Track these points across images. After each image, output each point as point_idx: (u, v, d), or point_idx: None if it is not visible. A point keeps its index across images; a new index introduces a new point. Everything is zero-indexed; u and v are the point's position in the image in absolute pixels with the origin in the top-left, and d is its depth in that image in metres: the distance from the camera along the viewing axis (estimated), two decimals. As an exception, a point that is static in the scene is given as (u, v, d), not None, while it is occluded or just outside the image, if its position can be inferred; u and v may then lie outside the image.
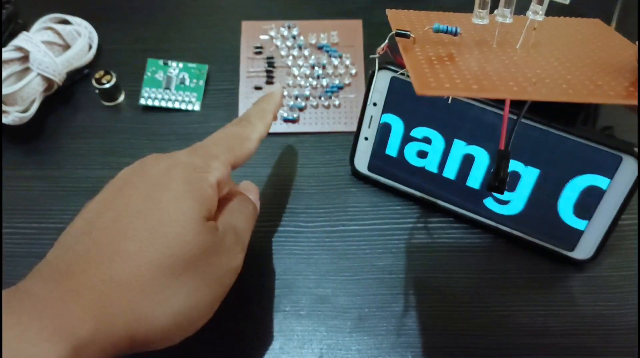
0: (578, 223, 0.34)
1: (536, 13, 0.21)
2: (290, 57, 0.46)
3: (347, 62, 0.45)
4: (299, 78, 0.45)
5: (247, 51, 0.46)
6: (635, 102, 0.17)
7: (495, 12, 0.21)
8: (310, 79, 0.45)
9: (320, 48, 0.46)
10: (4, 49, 0.41)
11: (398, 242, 0.37)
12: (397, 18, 0.24)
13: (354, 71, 0.45)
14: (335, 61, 0.45)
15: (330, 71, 0.45)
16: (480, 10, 0.21)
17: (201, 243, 0.25)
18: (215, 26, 0.49)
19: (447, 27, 0.21)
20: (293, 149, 0.42)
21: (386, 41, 0.22)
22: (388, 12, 0.24)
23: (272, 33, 0.47)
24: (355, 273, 0.36)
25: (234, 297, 0.36)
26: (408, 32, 0.21)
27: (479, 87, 0.18)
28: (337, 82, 0.44)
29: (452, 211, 0.38)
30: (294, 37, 0.47)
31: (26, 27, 0.44)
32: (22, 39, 0.41)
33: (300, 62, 0.45)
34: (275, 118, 0.34)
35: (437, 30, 0.21)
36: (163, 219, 0.24)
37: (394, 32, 0.21)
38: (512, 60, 0.20)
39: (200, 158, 0.27)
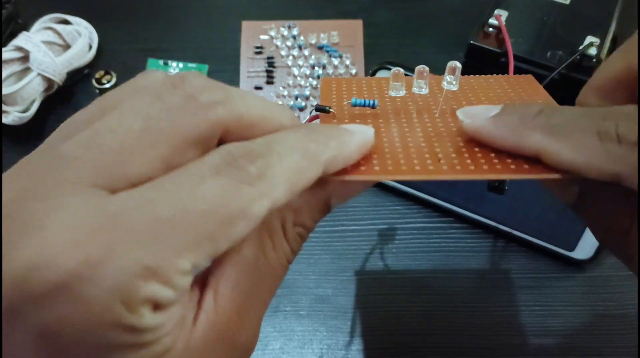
0: (578, 223, 0.34)
1: (450, 83, 0.21)
2: (290, 57, 0.46)
3: (347, 62, 0.45)
4: (299, 78, 0.45)
5: (247, 51, 0.46)
6: (535, 176, 0.17)
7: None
8: (310, 79, 0.45)
9: (320, 48, 0.46)
10: (4, 49, 0.41)
11: (398, 242, 0.37)
12: (328, 86, 0.24)
13: (354, 71, 0.45)
14: (336, 61, 0.45)
15: (330, 71, 0.45)
16: (396, 83, 0.21)
17: None
18: (215, 26, 0.49)
19: (365, 100, 0.21)
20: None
21: (310, 114, 0.23)
22: (322, 80, 0.24)
23: (272, 33, 0.47)
24: (355, 273, 0.36)
25: (234, 297, 0.36)
26: (327, 108, 0.21)
27: (380, 170, 0.18)
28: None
29: (452, 211, 0.38)
30: (294, 37, 0.47)
31: (26, 27, 0.44)
32: (22, 39, 0.41)
33: (300, 62, 0.45)
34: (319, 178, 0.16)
35: (355, 105, 0.21)
36: None
37: (313, 107, 0.21)
38: (426, 133, 0.20)
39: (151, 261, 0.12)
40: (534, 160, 0.17)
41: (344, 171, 0.18)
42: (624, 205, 0.19)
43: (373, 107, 0.21)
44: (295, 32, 0.47)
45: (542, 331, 0.34)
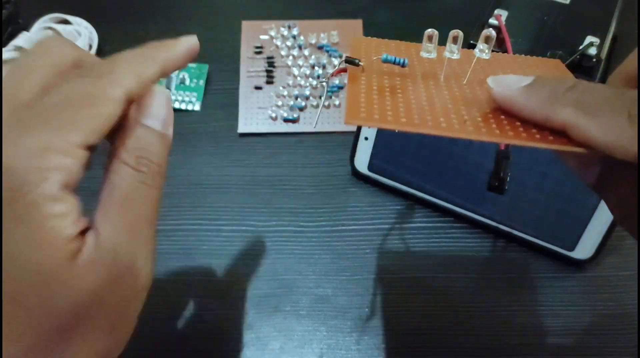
0: (578, 223, 0.34)
1: (482, 51, 0.21)
2: (290, 57, 0.46)
3: (347, 62, 0.45)
4: (299, 78, 0.45)
5: (247, 51, 0.46)
6: (561, 147, 0.17)
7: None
8: (310, 79, 0.45)
9: (320, 48, 0.46)
10: (4, 49, 0.41)
11: (398, 242, 0.37)
12: (358, 44, 0.24)
13: (354, 71, 0.45)
14: (336, 61, 0.45)
15: (330, 71, 0.45)
16: (429, 44, 0.22)
17: (77, 295, 0.18)
18: (215, 26, 0.49)
19: (395, 58, 0.21)
20: (293, 149, 0.42)
21: (337, 66, 0.22)
22: (353, 39, 0.24)
23: (272, 33, 0.47)
24: (355, 273, 0.36)
25: (235, 297, 0.36)
26: (357, 60, 0.21)
27: (407, 121, 0.18)
28: (337, 82, 0.44)
29: (452, 211, 0.38)
30: (294, 37, 0.47)
31: (26, 27, 0.44)
32: (22, 39, 0.41)
33: (300, 62, 0.45)
34: (164, 74, 0.21)
35: (385, 61, 0.21)
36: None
37: (343, 58, 0.21)
38: (453, 96, 0.20)
39: (24, 156, 0.17)
40: (560, 134, 0.17)
41: (363, 118, 0.18)
42: None
43: (403, 65, 0.21)
44: (295, 32, 0.47)
45: (542, 331, 0.34)
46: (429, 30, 0.21)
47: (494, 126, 0.18)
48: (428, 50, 0.22)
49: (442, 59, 0.22)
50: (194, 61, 0.46)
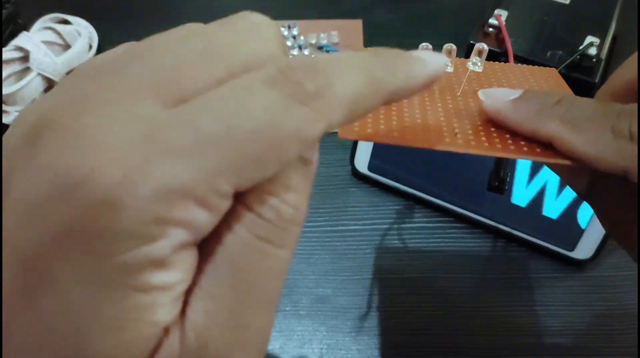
0: (578, 223, 0.34)
1: (475, 64, 0.22)
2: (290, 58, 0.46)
3: (347, 62, 0.45)
4: (299, 78, 0.45)
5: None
6: (546, 160, 0.18)
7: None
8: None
9: (320, 48, 0.46)
10: (4, 49, 0.41)
11: (398, 242, 0.37)
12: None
13: (354, 71, 0.45)
14: (335, 61, 0.45)
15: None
16: None
17: None
18: (215, 26, 0.49)
19: None
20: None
21: None
22: (353, 50, 0.25)
23: (272, 33, 0.47)
24: (355, 273, 0.36)
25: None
26: None
27: (399, 136, 0.18)
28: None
29: (452, 211, 0.38)
30: (294, 37, 0.47)
31: (26, 27, 0.44)
32: (22, 39, 0.41)
33: (300, 62, 0.45)
34: (400, 96, 0.15)
35: None
36: None
37: None
38: (446, 108, 0.20)
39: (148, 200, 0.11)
40: (547, 146, 0.18)
41: (356, 132, 0.18)
42: (631, 198, 0.20)
43: None
44: (295, 32, 0.47)
45: (542, 331, 0.34)
46: (423, 44, 0.22)
47: (483, 138, 0.19)
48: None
49: None
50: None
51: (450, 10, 0.49)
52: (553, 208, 0.35)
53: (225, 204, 0.12)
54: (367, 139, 0.18)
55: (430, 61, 0.16)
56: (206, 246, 0.13)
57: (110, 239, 0.11)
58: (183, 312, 0.13)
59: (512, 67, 0.24)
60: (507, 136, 0.19)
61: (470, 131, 0.19)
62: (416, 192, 0.38)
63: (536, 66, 0.25)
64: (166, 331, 0.12)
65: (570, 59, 0.39)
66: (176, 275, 0.12)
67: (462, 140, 0.18)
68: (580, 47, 0.39)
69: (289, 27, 0.47)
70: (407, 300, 0.35)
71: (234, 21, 0.14)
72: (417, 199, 0.39)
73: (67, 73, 0.43)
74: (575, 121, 0.17)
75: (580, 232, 0.34)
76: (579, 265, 0.36)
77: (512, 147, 0.18)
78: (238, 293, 0.13)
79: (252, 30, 0.14)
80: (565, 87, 0.23)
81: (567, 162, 0.18)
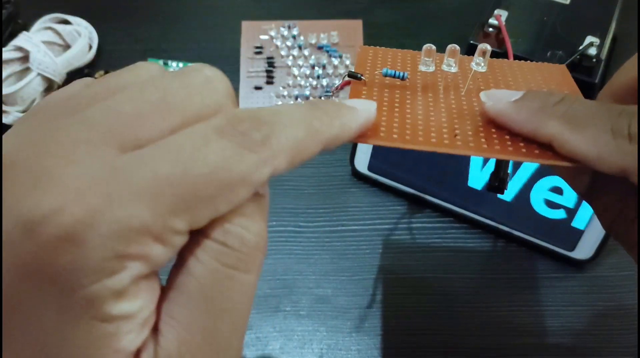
0: (579, 223, 0.34)
1: (479, 64, 0.22)
2: (290, 57, 0.46)
3: (347, 62, 0.45)
4: (299, 78, 0.45)
5: (247, 51, 0.46)
6: (546, 161, 0.18)
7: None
8: (310, 79, 0.45)
9: (320, 48, 0.46)
10: (4, 49, 0.41)
11: (398, 242, 0.37)
12: (365, 53, 0.25)
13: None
14: (335, 61, 0.45)
15: (330, 71, 0.45)
16: (427, 59, 0.22)
17: None
18: (215, 26, 0.49)
19: (395, 72, 0.22)
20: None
21: (342, 79, 0.24)
22: (360, 47, 0.25)
23: (272, 33, 0.47)
24: (355, 273, 0.36)
25: (234, 297, 0.36)
26: (359, 75, 0.22)
27: (399, 138, 0.19)
28: (337, 82, 0.44)
29: (452, 211, 0.38)
30: (294, 37, 0.47)
31: (26, 27, 0.44)
32: (22, 39, 0.41)
33: (300, 62, 0.45)
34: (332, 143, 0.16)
35: (386, 75, 0.22)
36: None
37: (347, 73, 0.22)
38: (449, 108, 0.21)
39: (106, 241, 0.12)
40: (547, 147, 0.18)
41: (363, 134, 0.18)
42: (630, 197, 0.20)
43: (402, 79, 0.22)
44: (295, 32, 0.47)
45: (542, 331, 0.34)
46: (427, 45, 0.22)
47: (482, 140, 0.19)
48: (426, 64, 0.23)
49: (443, 70, 0.23)
50: (193, 61, 0.46)
51: (450, 10, 0.49)
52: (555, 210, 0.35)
53: (180, 240, 0.13)
54: (366, 142, 0.18)
55: (362, 109, 0.18)
56: (176, 278, 0.14)
57: (74, 274, 0.12)
58: (156, 341, 0.13)
59: (520, 65, 0.24)
60: (507, 137, 0.19)
61: (470, 132, 0.19)
62: (416, 192, 0.38)
63: (545, 63, 0.25)
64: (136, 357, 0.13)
65: (570, 59, 0.39)
66: (137, 304, 0.13)
67: (461, 141, 0.19)
68: (580, 47, 0.39)
69: (289, 27, 0.47)
70: (407, 300, 0.35)
71: (188, 73, 0.15)
72: (417, 199, 0.39)
73: (68, 73, 0.43)
74: (576, 120, 0.17)
75: (580, 232, 0.34)
76: (579, 265, 0.36)
77: (510, 148, 0.18)
78: (209, 319, 0.14)
79: (205, 83, 0.15)
80: (572, 84, 0.23)
81: (565, 164, 0.18)
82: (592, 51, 0.39)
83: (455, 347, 0.34)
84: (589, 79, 0.39)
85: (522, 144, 0.18)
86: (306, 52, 0.46)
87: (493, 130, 0.19)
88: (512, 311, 0.35)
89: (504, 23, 0.41)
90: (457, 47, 0.22)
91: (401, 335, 0.34)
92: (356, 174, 0.40)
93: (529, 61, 0.25)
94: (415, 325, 0.34)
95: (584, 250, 0.35)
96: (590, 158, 0.17)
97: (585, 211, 0.34)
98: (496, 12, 0.42)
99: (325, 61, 0.45)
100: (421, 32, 0.48)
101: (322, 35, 0.47)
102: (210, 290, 0.14)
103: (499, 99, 0.19)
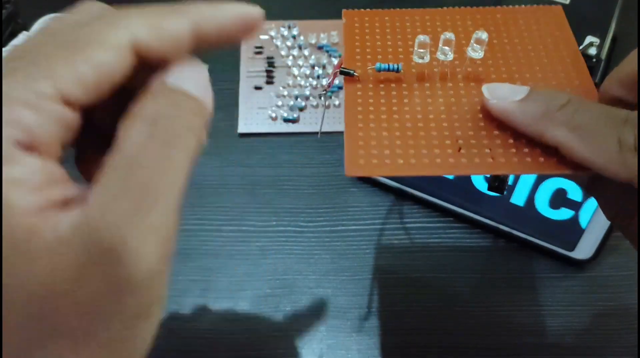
0: (578, 223, 0.34)
1: (475, 51, 0.22)
2: (290, 57, 0.46)
3: (347, 62, 0.45)
4: (299, 78, 0.45)
5: (247, 51, 0.46)
6: (554, 172, 0.18)
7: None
8: (310, 79, 0.45)
9: (320, 48, 0.46)
10: (4, 49, 0.41)
11: (398, 242, 0.37)
12: (350, 21, 0.24)
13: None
14: (336, 61, 0.45)
15: (330, 70, 0.45)
16: (421, 50, 0.22)
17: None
18: (215, 26, 0.49)
19: (389, 65, 0.21)
20: (293, 149, 0.42)
21: (331, 77, 0.24)
22: (344, 14, 0.24)
23: (272, 33, 0.47)
24: (355, 273, 0.36)
25: (235, 297, 0.36)
26: (352, 71, 0.22)
27: (404, 163, 0.19)
28: (337, 82, 0.44)
29: (452, 211, 0.38)
30: (294, 37, 0.47)
31: (26, 27, 0.44)
32: (22, 39, 0.41)
33: (300, 62, 0.45)
34: (197, 34, 0.16)
35: (380, 70, 0.22)
36: None
37: (338, 70, 0.22)
38: (448, 104, 0.20)
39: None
40: (551, 151, 0.18)
41: (363, 167, 0.19)
42: (632, 191, 0.20)
43: (397, 71, 0.22)
44: (295, 32, 0.47)
45: (542, 331, 0.34)
46: (421, 37, 0.21)
47: (487, 151, 0.19)
48: (420, 56, 0.22)
49: (437, 59, 0.22)
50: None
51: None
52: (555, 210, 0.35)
53: (50, 106, 0.14)
54: (375, 175, 0.19)
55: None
56: (109, 154, 0.14)
57: None
58: (86, 203, 0.13)
59: (514, 12, 0.24)
60: (511, 141, 0.19)
61: (474, 141, 0.19)
62: (416, 192, 0.38)
63: (539, 6, 0.24)
64: (53, 216, 0.13)
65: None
66: (23, 170, 0.13)
67: (466, 159, 0.19)
68: (580, 47, 0.39)
69: (289, 27, 0.47)
70: (407, 300, 0.35)
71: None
72: (417, 199, 0.39)
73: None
74: (582, 129, 0.17)
75: (580, 232, 0.34)
76: (579, 265, 0.36)
77: (515, 159, 0.18)
78: (135, 179, 0.13)
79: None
80: (567, 31, 0.23)
81: (570, 172, 0.18)
82: (592, 51, 0.39)
83: (455, 347, 0.34)
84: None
85: (526, 150, 0.19)
86: (306, 52, 0.46)
87: (496, 132, 0.19)
88: (512, 312, 0.35)
89: (504, 23, 0.41)
90: (453, 37, 0.21)
91: (401, 335, 0.34)
92: (356, 174, 0.40)
93: (520, 6, 0.24)
94: (416, 325, 0.34)
95: (584, 250, 0.35)
96: (597, 166, 0.17)
97: (586, 211, 0.34)
98: (496, 12, 0.42)
99: (325, 61, 0.45)
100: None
101: (322, 35, 0.47)
102: (137, 156, 0.14)
103: (503, 97, 0.19)
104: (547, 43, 0.23)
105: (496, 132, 0.19)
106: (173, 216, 0.14)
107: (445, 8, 0.24)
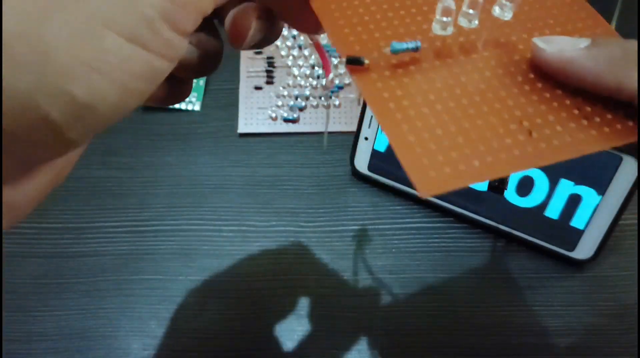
0: (579, 223, 0.34)
1: (504, 7, 0.18)
2: (290, 57, 0.46)
3: (347, 62, 0.45)
4: (299, 78, 0.45)
5: (247, 51, 0.46)
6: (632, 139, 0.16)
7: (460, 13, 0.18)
8: (310, 79, 0.45)
9: (320, 48, 0.46)
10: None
11: (398, 242, 0.37)
12: (324, 10, 0.19)
13: (354, 71, 0.45)
14: (335, 61, 0.45)
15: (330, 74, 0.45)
16: (445, 19, 0.17)
17: None
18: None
19: (406, 44, 0.17)
20: (293, 149, 0.42)
21: (331, 77, 0.18)
22: (313, 3, 0.19)
23: (272, 33, 0.47)
24: (355, 273, 0.36)
25: (235, 297, 0.36)
26: (361, 59, 0.17)
27: (481, 166, 0.15)
28: (337, 82, 0.44)
29: (452, 211, 0.38)
30: (294, 37, 0.47)
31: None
32: None
33: (300, 62, 0.45)
34: None
35: (396, 52, 0.17)
36: None
37: (344, 59, 0.17)
38: (486, 79, 0.17)
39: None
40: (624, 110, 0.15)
41: (437, 181, 0.15)
42: None
43: (416, 50, 0.17)
44: (295, 32, 0.47)
45: (542, 331, 0.34)
46: (445, 2, 0.17)
47: (558, 128, 0.16)
48: (444, 26, 0.18)
49: (461, 27, 0.18)
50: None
51: None
52: (553, 208, 0.35)
53: None
54: (456, 187, 0.15)
55: None
56: None
57: None
58: None
59: None
60: (576, 111, 0.16)
61: (539, 121, 0.16)
62: (416, 192, 0.38)
63: None
64: None
65: (570, 59, 0.39)
66: None
67: (545, 143, 0.16)
68: (580, 47, 0.39)
69: (289, 27, 0.47)
70: (407, 300, 0.35)
71: None
72: (417, 199, 0.39)
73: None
74: None
75: (580, 232, 0.34)
76: (579, 265, 0.36)
77: (593, 132, 0.16)
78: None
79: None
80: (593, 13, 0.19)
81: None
82: (592, 51, 0.39)
83: (455, 347, 0.34)
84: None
85: (597, 119, 0.16)
86: (306, 52, 0.46)
87: (555, 104, 0.16)
88: (512, 312, 0.35)
89: (504, 23, 0.41)
90: (452, 5, 0.17)
91: (401, 335, 0.34)
92: (356, 174, 0.40)
93: None
94: (415, 325, 0.34)
95: (584, 250, 0.35)
96: None
97: (585, 211, 0.34)
98: (496, 12, 0.42)
99: (325, 61, 0.45)
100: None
101: (322, 35, 0.47)
102: None
103: (564, 47, 0.16)
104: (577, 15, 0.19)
105: (555, 104, 0.16)
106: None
107: None
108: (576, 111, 0.16)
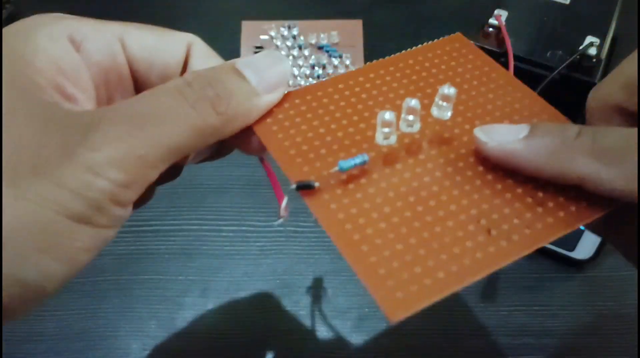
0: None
1: (442, 110, 0.18)
2: (290, 57, 0.46)
3: (347, 62, 0.45)
4: (299, 78, 0.45)
5: (247, 51, 0.46)
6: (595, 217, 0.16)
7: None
8: (310, 79, 0.45)
9: (320, 48, 0.46)
10: (4, 49, 0.41)
11: (398, 242, 0.37)
12: (267, 133, 0.19)
13: (354, 71, 0.45)
14: (335, 61, 0.45)
15: (330, 71, 0.45)
16: (386, 130, 0.17)
17: None
18: (215, 26, 0.49)
19: (353, 160, 0.17)
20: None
21: (285, 203, 0.19)
22: (255, 130, 0.19)
23: (272, 33, 0.47)
24: (355, 273, 0.36)
25: (234, 297, 0.36)
26: (311, 183, 0.17)
27: (446, 275, 0.15)
28: (357, 160, 0.44)
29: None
30: (294, 37, 0.47)
31: (26, 27, 0.44)
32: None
33: (300, 62, 0.45)
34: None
35: (344, 170, 0.17)
36: None
37: (293, 186, 0.18)
38: (437, 179, 0.17)
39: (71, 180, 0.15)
40: (571, 190, 0.16)
41: (405, 302, 0.15)
42: (628, 209, 0.18)
43: (364, 164, 0.17)
44: (295, 32, 0.47)
45: (542, 331, 0.34)
46: (384, 113, 0.17)
47: (515, 221, 0.16)
48: (387, 136, 0.18)
49: (403, 132, 0.18)
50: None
51: (450, 11, 0.49)
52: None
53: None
54: (425, 304, 0.16)
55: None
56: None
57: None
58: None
59: (415, 55, 0.20)
60: (529, 200, 0.16)
61: (495, 216, 0.16)
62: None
63: (435, 41, 0.21)
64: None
65: (570, 59, 0.39)
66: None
67: (505, 240, 0.16)
68: (580, 47, 0.39)
69: (289, 27, 0.47)
70: (407, 300, 0.35)
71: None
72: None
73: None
74: (608, 153, 0.15)
75: (580, 232, 0.34)
76: (579, 265, 0.36)
77: (550, 220, 0.16)
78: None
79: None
80: (483, 55, 0.20)
81: (604, 211, 0.16)
82: (592, 51, 0.39)
83: (456, 347, 0.34)
84: (589, 79, 0.39)
85: (551, 204, 0.16)
86: (306, 52, 0.46)
87: (508, 195, 0.16)
88: (512, 312, 0.35)
89: (504, 23, 0.41)
90: (418, 105, 0.17)
91: (401, 335, 0.34)
92: (356, 174, 0.40)
93: (414, 48, 0.21)
94: (415, 325, 0.34)
95: (584, 250, 0.35)
96: (629, 192, 0.15)
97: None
98: (496, 12, 0.42)
99: (325, 61, 0.45)
100: (421, 32, 0.48)
101: (322, 35, 0.47)
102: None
103: (504, 138, 0.16)
104: (478, 76, 0.20)
105: (508, 195, 0.16)
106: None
107: (350, 71, 0.21)
108: (529, 199, 0.16)
